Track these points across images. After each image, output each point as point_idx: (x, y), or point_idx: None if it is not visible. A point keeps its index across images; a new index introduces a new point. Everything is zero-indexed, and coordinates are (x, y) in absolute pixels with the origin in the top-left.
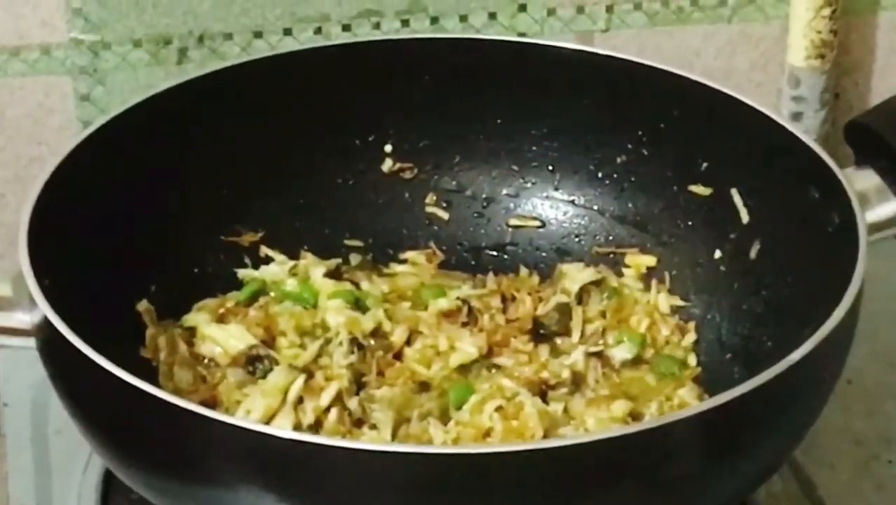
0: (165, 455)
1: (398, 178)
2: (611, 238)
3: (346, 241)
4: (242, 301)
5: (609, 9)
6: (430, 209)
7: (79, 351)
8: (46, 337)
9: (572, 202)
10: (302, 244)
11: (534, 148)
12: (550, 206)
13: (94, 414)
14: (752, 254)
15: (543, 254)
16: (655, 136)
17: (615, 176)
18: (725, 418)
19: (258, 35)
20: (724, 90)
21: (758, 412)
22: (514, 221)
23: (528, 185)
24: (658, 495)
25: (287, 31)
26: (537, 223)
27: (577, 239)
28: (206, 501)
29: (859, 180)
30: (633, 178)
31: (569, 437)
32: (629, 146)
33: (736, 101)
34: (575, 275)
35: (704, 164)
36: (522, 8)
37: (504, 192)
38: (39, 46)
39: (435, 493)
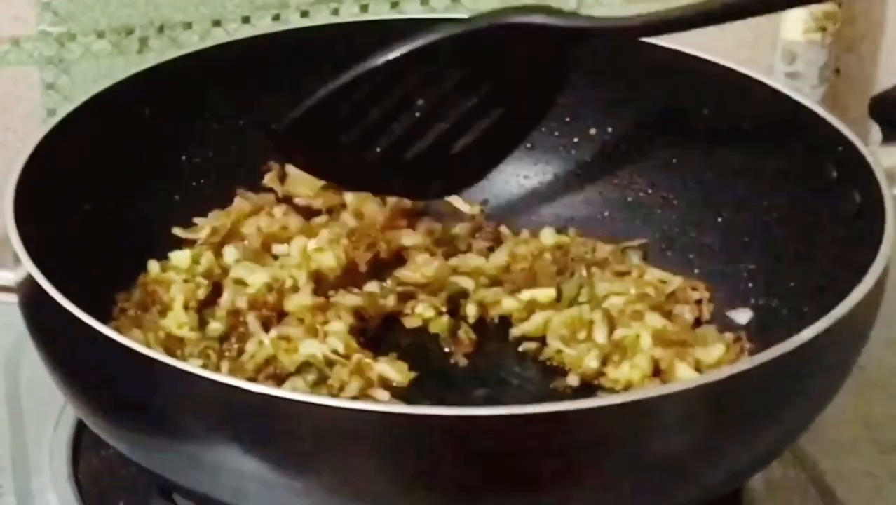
0: (139, 408)
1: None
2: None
3: None
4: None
5: None
6: None
7: (56, 303)
8: (28, 292)
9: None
10: None
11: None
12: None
13: (70, 365)
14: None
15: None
16: (659, 115)
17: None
18: (723, 395)
19: (217, 24)
20: (729, 64)
21: (760, 391)
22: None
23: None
24: (643, 471)
25: (245, 19)
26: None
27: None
28: (179, 455)
29: (888, 157)
30: (651, 159)
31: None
32: (637, 126)
33: (742, 75)
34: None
35: (713, 145)
36: None
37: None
38: (10, 39)
39: (401, 450)
